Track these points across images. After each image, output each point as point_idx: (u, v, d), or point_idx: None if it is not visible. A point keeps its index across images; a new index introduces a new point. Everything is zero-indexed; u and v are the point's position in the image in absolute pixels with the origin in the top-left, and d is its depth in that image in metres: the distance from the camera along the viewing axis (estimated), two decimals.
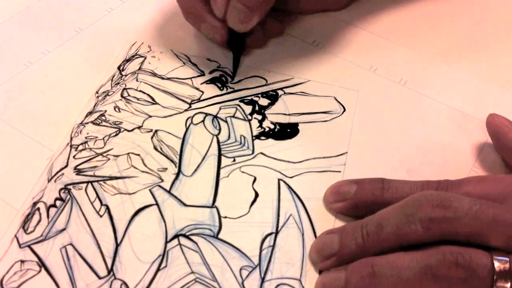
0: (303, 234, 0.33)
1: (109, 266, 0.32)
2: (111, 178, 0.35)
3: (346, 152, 0.37)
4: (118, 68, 0.42)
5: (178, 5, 0.42)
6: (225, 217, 0.34)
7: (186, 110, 0.40)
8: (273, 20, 0.44)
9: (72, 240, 0.33)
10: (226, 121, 0.39)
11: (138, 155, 0.37)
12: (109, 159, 0.36)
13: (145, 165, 0.36)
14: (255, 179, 0.36)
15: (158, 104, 0.40)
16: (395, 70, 0.43)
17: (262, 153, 0.37)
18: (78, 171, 0.36)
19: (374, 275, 0.29)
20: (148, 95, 0.40)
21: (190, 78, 0.42)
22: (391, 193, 0.32)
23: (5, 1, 0.48)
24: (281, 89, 0.41)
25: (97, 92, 0.41)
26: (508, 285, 0.27)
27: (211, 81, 0.42)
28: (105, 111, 0.39)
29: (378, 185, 0.33)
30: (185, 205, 0.34)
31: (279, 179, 0.36)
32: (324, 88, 0.41)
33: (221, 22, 0.40)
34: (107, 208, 0.34)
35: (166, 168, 0.36)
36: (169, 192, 0.35)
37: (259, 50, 0.44)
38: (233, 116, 0.39)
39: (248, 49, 0.44)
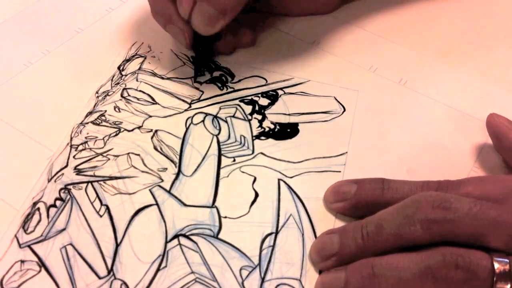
0: (303, 234, 0.33)
1: (109, 266, 0.32)
2: (111, 178, 0.35)
3: (346, 152, 0.37)
4: (118, 68, 0.42)
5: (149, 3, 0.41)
6: (225, 217, 0.34)
7: (186, 110, 0.40)
8: (246, 29, 0.44)
9: (72, 240, 0.33)
10: (226, 121, 0.39)
11: (138, 155, 0.37)
12: (109, 159, 0.36)
13: (145, 165, 0.36)
14: (255, 179, 0.36)
15: (158, 104, 0.40)
16: (395, 70, 0.43)
17: (262, 153, 0.37)
18: (78, 171, 0.36)
19: (374, 276, 0.29)
20: (148, 95, 0.40)
21: (190, 78, 0.42)
22: (391, 193, 0.32)
23: (5, 1, 0.48)
24: (281, 89, 0.41)
25: (97, 92, 0.41)
26: (508, 286, 0.27)
27: (211, 81, 0.42)
28: (105, 111, 0.39)
29: (378, 185, 0.33)
30: (185, 205, 0.34)
31: (279, 179, 0.36)
32: (324, 88, 0.41)
33: (186, 24, 0.40)
34: (107, 208, 0.34)
35: (166, 168, 0.36)
36: (169, 192, 0.35)
37: (259, 49, 0.44)
38: (233, 116, 0.39)
39: (216, 55, 0.43)
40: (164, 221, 0.33)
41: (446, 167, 0.37)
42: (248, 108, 0.40)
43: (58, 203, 0.34)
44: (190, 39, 0.41)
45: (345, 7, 0.48)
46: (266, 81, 0.42)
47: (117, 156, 0.37)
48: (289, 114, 0.40)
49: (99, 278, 0.31)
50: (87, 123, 0.39)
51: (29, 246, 0.32)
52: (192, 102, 0.40)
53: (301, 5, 0.46)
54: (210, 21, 0.38)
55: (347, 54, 0.44)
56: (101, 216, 0.34)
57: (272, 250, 0.32)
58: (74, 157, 0.37)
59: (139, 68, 0.42)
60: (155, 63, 0.43)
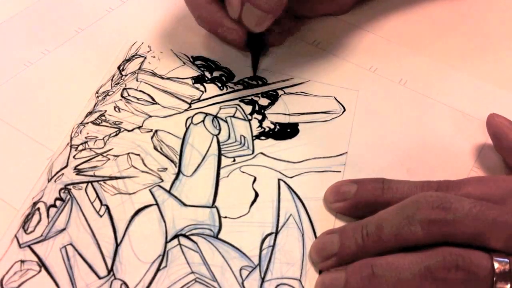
0: (303, 234, 0.33)
1: (109, 266, 0.32)
2: (111, 178, 0.35)
3: (346, 152, 0.37)
4: (118, 68, 0.42)
5: (191, 12, 0.42)
6: (225, 217, 0.34)
7: (186, 110, 0.40)
8: (287, 19, 0.44)
9: (72, 240, 0.33)
10: (226, 121, 0.39)
11: (138, 155, 0.37)
12: (109, 159, 0.36)
13: (145, 165, 0.36)
14: (255, 179, 0.36)
15: (158, 104, 0.40)
16: (395, 70, 0.43)
17: (262, 153, 0.37)
18: (78, 171, 0.36)
19: (374, 276, 0.29)
20: (148, 95, 0.40)
21: (190, 77, 0.42)
22: (391, 193, 0.32)
23: (5, 1, 0.47)
24: (281, 89, 0.41)
25: (97, 92, 0.41)
26: (508, 286, 0.27)
27: (211, 80, 0.42)
28: (105, 111, 0.39)
29: (379, 185, 0.33)
30: (185, 205, 0.34)
31: (279, 179, 0.36)
32: (324, 88, 0.41)
33: (238, 24, 0.40)
34: (107, 208, 0.34)
35: (166, 168, 0.36)
36: (169, 192, 0.35)
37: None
38: (233, 116, 0.39)
39: (266, 48, 0.44)
40: (164, 221, 0.33)
41: (446, 167, 0.37)
42: (248, 108, 0.40)
43: (58, 203, 0.34)
44: (244, 37, 0.41)
45: None
46: (266, 81, 0.42)
47: (117, 156, 0.37)
48: (289, 114, 0.40)
49: (99, 278, 0.31)
50: (87, 123, 0.39)
51: (29, 246, 0.32)
52: (192, 102, 0.40)
53: (316, 7, 0.46)
54: (259, 20, 0.39)
55: (347, 54, 0.44)
56: (101, 216, 0.34)
57: (272, 250, 0.32)
58: (74, 157, 0.37)
59: (139, 68, 0.42)
60: (155, 63, 0.43)
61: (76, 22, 0.46)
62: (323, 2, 0.46)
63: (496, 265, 0.27)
